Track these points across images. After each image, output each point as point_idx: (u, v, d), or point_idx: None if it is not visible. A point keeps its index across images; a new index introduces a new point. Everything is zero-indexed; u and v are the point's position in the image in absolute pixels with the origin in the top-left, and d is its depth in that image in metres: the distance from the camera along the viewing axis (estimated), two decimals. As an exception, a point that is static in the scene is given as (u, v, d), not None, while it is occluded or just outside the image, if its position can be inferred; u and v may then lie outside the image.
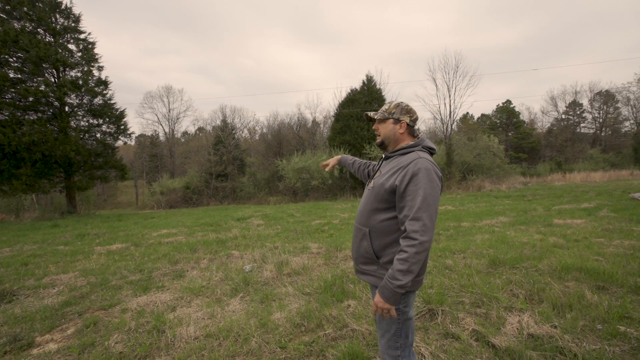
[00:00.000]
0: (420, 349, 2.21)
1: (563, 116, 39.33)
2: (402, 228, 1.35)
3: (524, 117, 41.84)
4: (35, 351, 2.54)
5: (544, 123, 43.12)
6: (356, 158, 2.02)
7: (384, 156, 1.61)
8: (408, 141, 1.55)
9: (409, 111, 1.53)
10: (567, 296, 2.83)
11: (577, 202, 9.97)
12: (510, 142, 37.01)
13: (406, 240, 1.30)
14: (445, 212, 9.37)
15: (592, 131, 38.39)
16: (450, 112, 22.50)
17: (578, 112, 38.68)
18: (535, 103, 78.89)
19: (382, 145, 1.59)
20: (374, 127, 1.62)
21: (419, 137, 1.57)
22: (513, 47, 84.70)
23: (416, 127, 1.57)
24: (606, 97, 36.85)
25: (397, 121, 1.53)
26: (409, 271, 1.28)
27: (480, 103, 72.53)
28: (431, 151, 1.50)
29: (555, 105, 39.74)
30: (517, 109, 39.40)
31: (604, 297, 2.79)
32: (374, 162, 1.92)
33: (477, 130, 28.68)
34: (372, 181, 1.55)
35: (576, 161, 30.59)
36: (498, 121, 39.70)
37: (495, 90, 68.22)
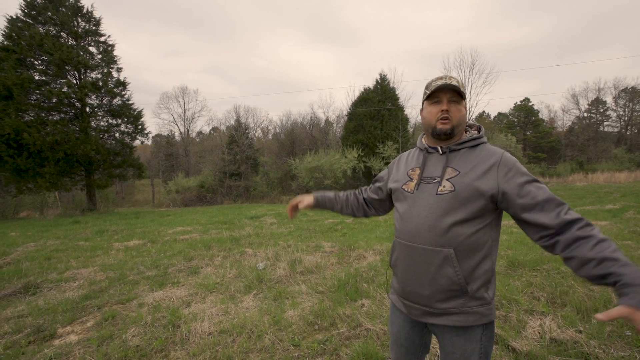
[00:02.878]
0: (437, 351, 2.16)
1: (585, 114, 37.91)
2: (557, 223, 1.00)
3: (543, 115, 40.60)
4: (57, 342, 2.63)
5: (564, 122, 41.71)
6: (335, 192, 1.58)
7: (440, 149, 1.19)
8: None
9: None
10: (593, 300, 2.71)
11: (601, 203, 9.57)
12: (529, 141, 35.95)
13: (589, 229, 0.97)
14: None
15: (616, 130, 36.85)
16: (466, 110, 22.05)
17: (601, 110, 37.18)
18: (555, 101, 76.52)
19: (451, 134, 1.16)
20: (444, 108, 1.14)
21: (472, 126, 1.27)
22: (532, 43, 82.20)
23: None
24: (632, 94, 35.28)
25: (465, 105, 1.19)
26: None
27: (497, 101, 70.87)
28: None
29: (577, 103, 38.36)
30: (535, 107, 38.26)
31: (632, 302, 2.65)
32: (354, 190, 1.57)
33: (494, 129, 28.01)
34: (448, 183, 1.11)
35: (599, 161, 29.42)
36: (516, 120, 38.62)
37: (513, 88, 66.44)
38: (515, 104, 39.26)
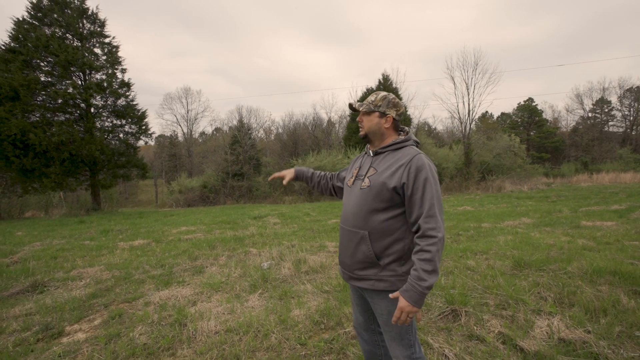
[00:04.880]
0: (444, 350, 2.15)
1: (589, 114, 37.63)
2: (415, 227, 1.32)
3: (547, 115, 40.33)
4: (65, 340, 2.65)
5: (568, 122, 41.40)
6: (313, 170, 1.89)
7: (371, 152, 1.52)
8: (394, 136, 1.50)
9: (395, 105, 1.47)
10: (601, 300, 2.68)
11: (606, 203, 9.50)
12: (533, 141, 35.72)
13: (425, 240, 1.26)
14: (465, 212, 9.13)
15: (621, 130, 36.58)
16: (469, 110, 21.93)
17: (606, 110, 36.90)
18: (559, 101, 75.96)
19: (366, 139, 1.52)
20: (357, 119, 1.53)
21: (404, 131, 1.53)
22: (536, 42, 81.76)
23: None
24: (637, 94, 35.01)
25: (383, 115, 1.46)
26: (434, 270, 1.25)
27: (500, 101, 70.38)
28: (417, 145, 1.51)
29: (581, 103, 38.08)
30: (539, 107, 38.00)
31: (641, 303, 2.63)
32: (330, 173, 1.86)
33: (497, 129, 27.84)
34: (367, 179, 1.43)
35: (604, 161, 29.18)
36: (519, 120, 38.40)
37: (517, 88, 66.19)
38: (518, 104, 39.07)
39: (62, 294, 3.67)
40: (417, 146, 1.48)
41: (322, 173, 1.87)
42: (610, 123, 37.12)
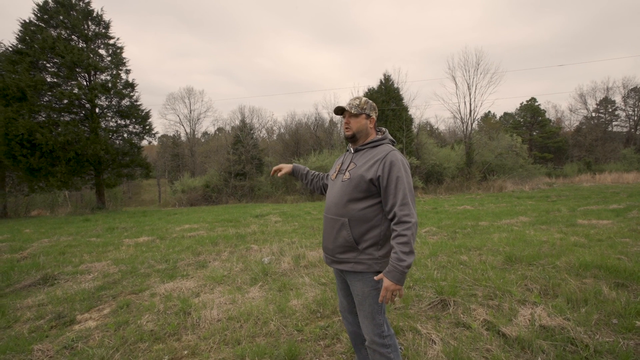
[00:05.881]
0: (431, 336, 2.30)
1: (593, 114, 37.45)
2: (391, 215, 1.47)
3: (550, 115, 40.18)
4: (77, 327, 2.82)
5: (571, 122, 41.22)
6: (308, 169, 2.05)
7: (352, 149, 1.70)
8: (374, 134, 1.69)
9: (375, 108, 1.69)
10: (583, 292, 2.82)
11: (606, 203, 9.57)
12: (535, 141, 35.64)
13: (401, 225, 1.42)
14: (464, 211, 9.24)
15: (625, 130, 36.35)
16: (470, 110, 22.02)
17: (610, 110, 36.72)
18: (562, 101, 75.58)
19: (353, 138, 1.67)
20: (345, 121, 1.67)
21: (381, 131, 1.72)
22: (539, 43, 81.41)
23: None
24: (641, 94, 34.77)
25: (368, 117, 1.65)
26: (411, 251, 1.41)
27: (504, 101, 70.17)
28: (393, 143, 1.69)
29: (585, 103, 37.90)
30: (542, 107, 37.90)
31: (622, 294, 2.76)
32: (323, 173, 2.02)
33: (499, 129, 27.84)
34: (348, 173, 1.61)
35: (607, 161, 29.09)
36: (522, 120, 38.31)
37: (520, 88, 65.96)
38: (521, 103, 38.98)
39: (72, 286, 3.85)
40: (392, 144, 1.67)
41: (317, 172, 2.05)
42: (614, 123, 36.94)
